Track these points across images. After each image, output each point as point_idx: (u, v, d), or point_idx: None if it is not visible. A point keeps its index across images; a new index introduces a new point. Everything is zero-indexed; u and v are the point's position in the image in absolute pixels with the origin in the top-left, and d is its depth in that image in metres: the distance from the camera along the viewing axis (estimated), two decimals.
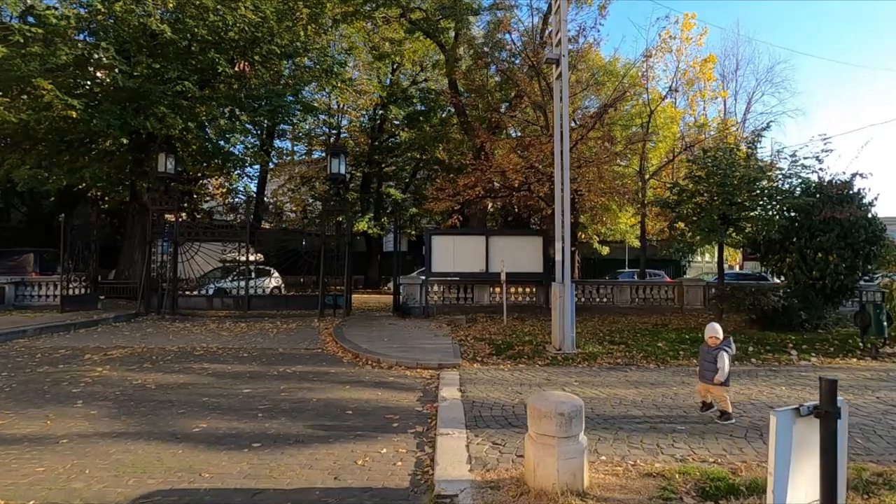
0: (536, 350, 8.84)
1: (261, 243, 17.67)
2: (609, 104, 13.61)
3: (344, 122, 30.88)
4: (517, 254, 14.17)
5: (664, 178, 22.00)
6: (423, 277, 14.54)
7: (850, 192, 10.78)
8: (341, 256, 14.49)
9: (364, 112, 28.98)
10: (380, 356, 8.32)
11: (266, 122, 19.79)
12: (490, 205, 24.90)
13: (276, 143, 29.19)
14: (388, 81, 26.81)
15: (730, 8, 68.63)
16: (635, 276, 26.11)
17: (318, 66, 19.62)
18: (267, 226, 30.89)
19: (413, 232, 31.04)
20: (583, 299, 15.31)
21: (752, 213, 11.91)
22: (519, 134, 17.48)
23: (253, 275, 15.73)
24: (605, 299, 15.35)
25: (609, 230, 28.94)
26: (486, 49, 17.18)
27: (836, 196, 10.75)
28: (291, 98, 18.21)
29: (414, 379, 7.13)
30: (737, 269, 34.61)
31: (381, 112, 27.55)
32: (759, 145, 11.92)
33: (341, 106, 29.20)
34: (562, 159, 8.74)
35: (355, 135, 30.13)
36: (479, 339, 9.98)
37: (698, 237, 11.91)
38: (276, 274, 19.98)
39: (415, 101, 25.38)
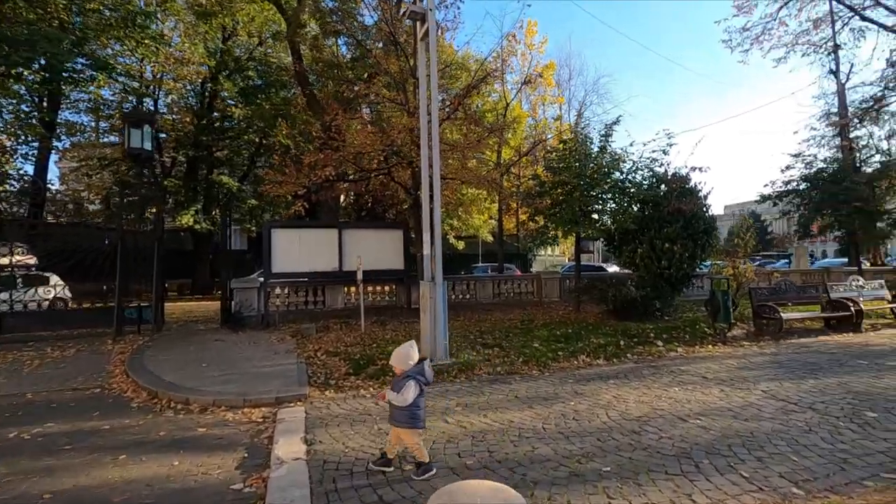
0: None
1: (34, 242, 13.00)
2: (473, 85, 12.76)
3: (166, 98, 25.61)
4: (376, 249, 12.48)
5: (514, 176, 22.46)
6: (264, 280, 11.97)
7: (689, 185, 11.46)
8: (151, 257, 11.16)
9: (188, 85, 24.24)
10: (189, 393, 5.91)
11: (37, 81, 14.75)
12: (343, 194, 22.75)
13: (67, 115, 22.70)
14: (218, 52, 22.67)
15: (563, 24, 76.24)
16: (489, 271, 26.48)
17: (114, 14, 15.33)
18: (51, 219, 24.06)
19: (253, 227, 27.19)
20: (451, 297, 14.28)
21: (608, 206, 12.09)
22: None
23: (19, 283, 11.36)
24: (467, 296, 14.56)
25: (464, 225, 29.01)
26: (335, 18, 15.07)
27: (679, 189, 11.31)
28: (73, 48, 13.76)
29: (238, 426, 4.99)
30: (568, 261, 37.93)
31: (210, 86, 23.28)
32: (609, 139, 12.13)
33: (158, 75, 23.97)
34: (430, 133, 7.32)
35: (179, 112, 25.16)
36: (332, 354, 8.06)
37: (563, 229, 11.66)
38: (58, 281, 15.12)
39: (251, 74, 21.87)
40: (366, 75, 16.26)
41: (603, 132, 12.38)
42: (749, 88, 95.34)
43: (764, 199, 18.90)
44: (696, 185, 11.44)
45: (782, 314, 9.08)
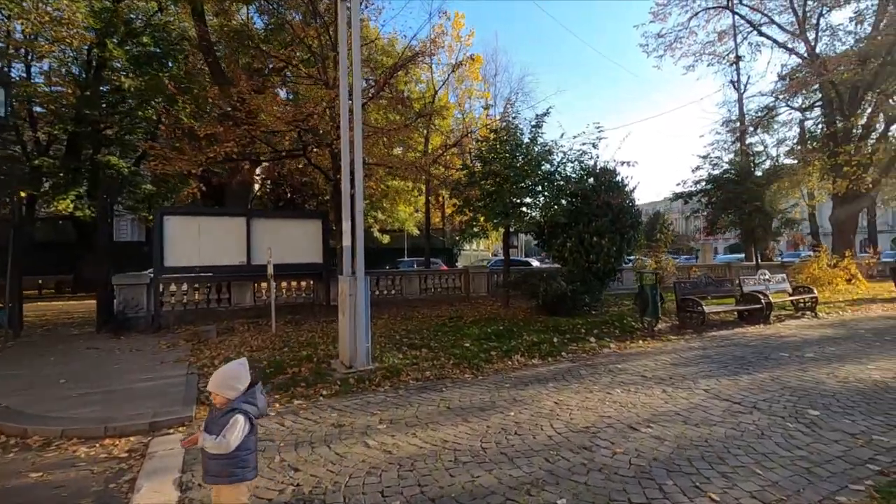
0: (319, 370, 6.33)
1: None
2: (401, 64, 11.82)
3: (42, 65, 21.91)
4: (290, 241, 11.22)
5: (442, 167, 21.78)
6: (154, 275, 10.27)
7: (617, 179, 11.47)
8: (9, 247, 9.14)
9: (70, 51, 20.86)
10: (29, 422, 4.57)
11: None
12: (257, 182, 20.81)
13: None
14: (106, 14, 19.63)
15: (489, 21, 77.01)
16: (415, 265, 25.73)
17: None
18: None
19: (150, 216, 24.24)
20: (375, 292, 13.33)
21: (538, 198, 11.81)
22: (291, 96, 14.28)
23: None
24: (393, 291, 13.70)
25: (389, 218, 28.02)
26: None
27: (608, 183, 11.27)
28: None
29: (91, 466, 3.82)
30: (492, 256, 38.25)
31: (96, 52, 20.16)
32: (540, 129, 11.85)
33: (31, 36, 20.36)
34: (351, 111, 6.39)
35: (61, 81, 21.61)
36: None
37: (493, 221, 11.19)
38: None
39: (146, 41, 19.25)
40: (282, 50, 14.74)
41: (533, 122, 12.06)
42: (666, 92, 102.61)
43: (677, 197, 19.88)
44: (623, 180, 11.47)
45: (705, 308, 9.23)
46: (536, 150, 11.60)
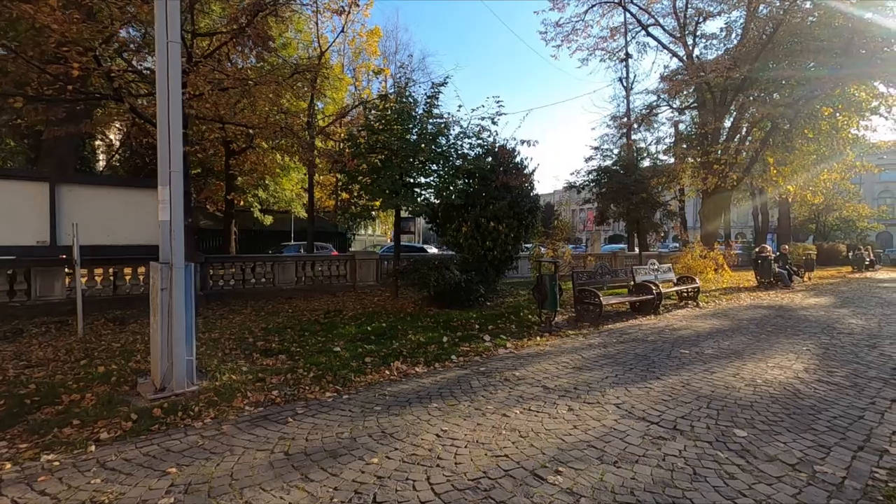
0: (111, 398, 4.43)
1: None
2: None
3: None
4: (119, 216, 8.72)
5: (333, 141, 19.69)
6: None
7: (517, 159, 10.61)
8: None
9: None
10: None
11: None
12: (104, 141, 16.97)
13: None
14: None
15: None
16: (301, 250, 23.34)
17: None
18: None
19: None
20: (232, 283, 11.16)
21: (432, 178, 10.57)
22: None
23: None
24: (263, 280, 11.65)
25: (273, 197, 25.14)
26: None
27: (507, 163, 10.36)
28: None
29: None
30: (389, 241, 36.82)
31: None
32: (436, 100, 10.58)
33: None
34: (168, 14, 4.48)
35: None
36: None
37: (381, 200, 9.71)
38: None
39: None
40: None
41: (429, 93, 10.74)
42: (556, 86, 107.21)
43: (571, 186, 20.01)
44: (523, 161, 10.64)
45: (602, 300, 8.69)
46: (431, 123, 10.33)
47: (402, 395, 4.69)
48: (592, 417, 4.04)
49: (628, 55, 25.23)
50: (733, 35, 22.74)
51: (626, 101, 25.96)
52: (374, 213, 13.12)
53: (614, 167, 18.89)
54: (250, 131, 9.45)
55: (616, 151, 22.07)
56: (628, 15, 24.32)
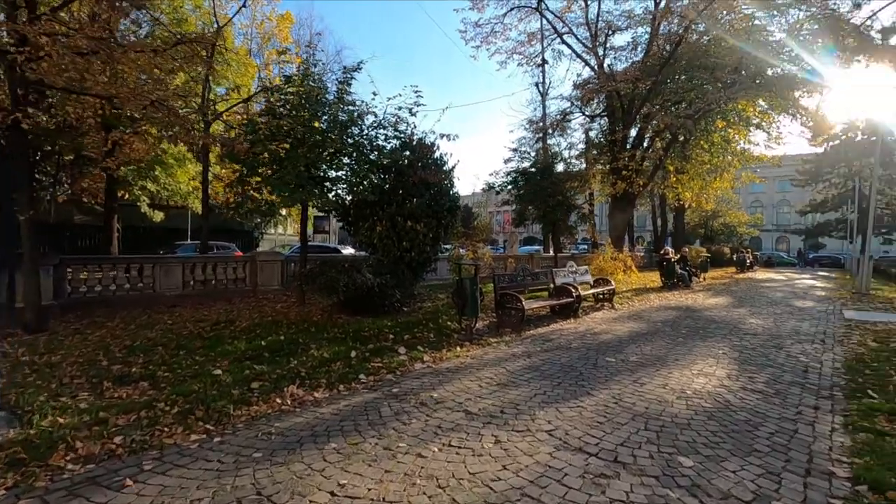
0: None
1: None
2: None
3: None
4: None
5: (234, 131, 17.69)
6: None
7: (436, 155, 9.94)
8: None
9: None
10: None
11: None
12: None
13: None
14: None
15: None
16: (198, 250, 20.93)
17: None
18: None
19: None
20: (99, 289, 9.33)
21: (344, 171, 9.57)
22: None
23: None
24: (140, 285, 9.90)
25: (165, 190, 22.36)
26: None
27: (426, 158, 9.66)
28: None
29: None
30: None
31: None
32: (349, 87, 9.60)
33: None
34: None
35: None
36: None
37: (283, 195, 8.54)
38: None
39: None
40: None
41: (341, 78, 9.74)
42: (479, 87, 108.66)
43: (489, 187, 19.84)
44: (442, 157, 10.00)
45: (524, 304, 8.27)
46: (343, 111, 9.34)
47: (294, 432, 3.76)
48: (524, 451, 3.41)
49: (544, 61, 25.80)
50: (639, 49, 24.01)
51: (542, 105, 26.55)
52: (279, 209, 11.79)
53: (531, 169, 18.99)
54: (115, 103, 7.79)
55: (533, 155, 22.34)
56: (545, 22, 24.80)
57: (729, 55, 18.74)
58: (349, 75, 9.71)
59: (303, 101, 8.98)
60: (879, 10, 19.17)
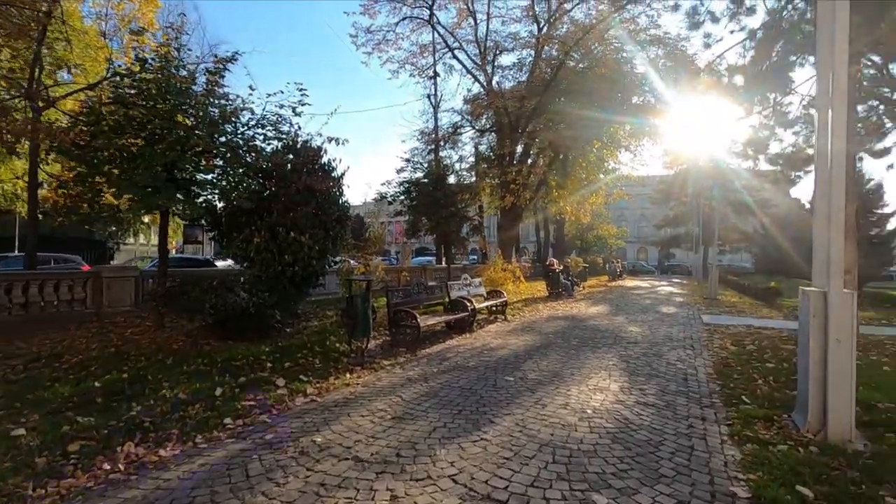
0: None
1: None
2: None
3: None
4: None
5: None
6: None
7: (324, 160, 9.12)
8: None
9: None
10: None
11: None
12: None
13: None
14: None
15: None
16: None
17: None
18: None
19: None
20: None
21: (215, 173, 8.36)
22: None
23: None
24: None
25: None
26: None
27: (312, 162, 8.81)
28: None
29: None
30: (175, 252, 30.81)
31: None
32: (222, 79, 8.42)
33: None
34: None
35: None
36: None
37: (134, 199, 7.10)
38: None
39: None
40: None
41: (212, 67, 8.55)
42: (373, 95, 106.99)
43: (381, 197, 19.25)
44: (331, 162, 9.21)
45: (420, 322, 7.81)
46: (214, 105, 8.17)
47: None
48: None
49: (436, 73, 25.95)
50: (524, 70, 25.30)
51: (434, 117, 26.62)
52: (133, 215, 10.00)
53: (424, 180, 18.82)
54: None
55: (426, 166, 22.26)
56: (436, 35, 25.01)
57: (603, 82, 20.44)
58: (222, 66, 8.55)
59: (162, 91, 7.66)
60: (723, 52, 22.36)
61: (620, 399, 5.11)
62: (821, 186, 4.19)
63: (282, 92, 8.52)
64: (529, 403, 4.90)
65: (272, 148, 8.76)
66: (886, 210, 26.80)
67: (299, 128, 8.93)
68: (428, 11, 23.80)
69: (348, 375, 6.01)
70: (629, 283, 29.74)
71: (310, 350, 7.08)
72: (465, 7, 24.05)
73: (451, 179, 26.64)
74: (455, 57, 25.85)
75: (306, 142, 8.89)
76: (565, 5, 22.39)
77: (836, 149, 3.99)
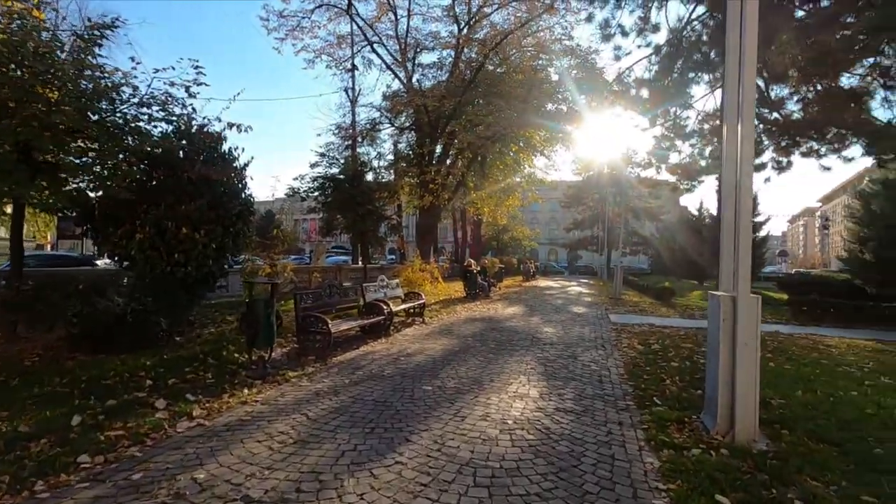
0: None
1: None
2: None
3: None
4: None
5: None
6: None
7: (224, 148, 8.15)
8: None
9: None
10: None
11: None
12: None
13: None
14: None
15: None
16: None
17: None
18: None
19: None
20: None
21: (85, 158, 7.12)
22: None
23: None
24: None
25: None
26: None
27: (209, 150, 7.83)
28: None
29: None
30: (50, 249, 26.74)
31: None
32: (98, 49, 7.19)
33: None
34: None
35: None
36: None
37: None
38: None
39: None
40: None
41: (86, 33, 7.29)
42: (287, 83, 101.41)
43: (293, 192, 18.11)
44: (233, 150, 8.26)
45: (331, 327, 7.21)
46: (87, 77, 6.95)
47: None
48: None
49: (354, 67, 25.00)
50: (444, 69, 25.24)
51: (351, 112, 25.66)
52: None
53: (340, 176, 17.99)
54: None
55: (342, 161, 21.36)
56: (356, 27, 24.09)
57: (521, 87, 20.92)
58: (98, 33, 7.31)
59: (17, 54, 6.34)
60: (632, 65, 23.87)
61: (540, 406, 4.98)
62: (729, 196, 4.33)
63: (173, 68, 7.46)
64: (448, 416, 4.58)
65: (161, 131, 7.65)
66: (760, 218, 30.32)
67: (194, 110, 7.90)
68: (346, 1, 22.85)
69: (246, 391, 5.31)
70: (542, 283, 30.90)
71: (202, 362, 6.23)
72: (386, 1, 23.44)
73: (370, 177, 25.92)
74: (374, 51, 25.16)
75: (203, 126, 7.88)
76: (485, 9, 22.61)
77: (745, 159, 4.11)
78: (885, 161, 10.68)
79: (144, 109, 7.30)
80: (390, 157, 27.48)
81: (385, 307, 9.23)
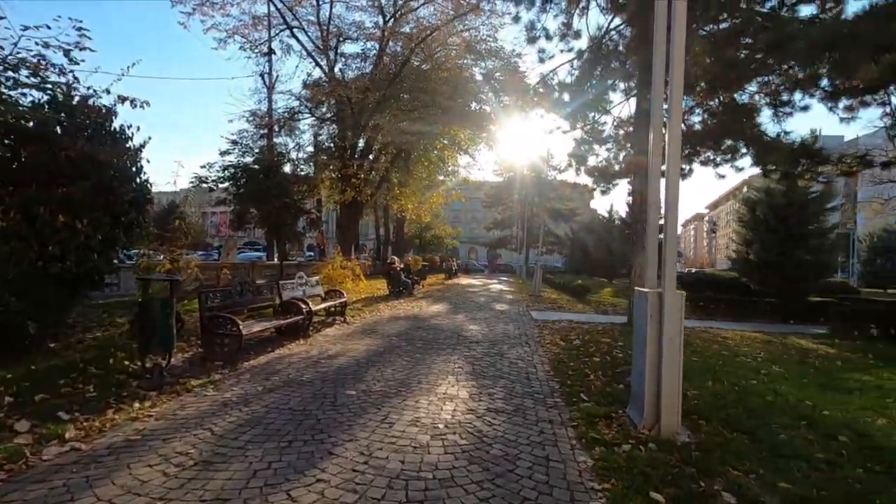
0: None
1: None
2: None
3: None
4: None
5: None
6: None
7: (114, 125, 7.08)
8: None
9: None
10: None
11: None
12: None
13: None
14: None
15: None
16: None
17: None
18: None
19: None
20: None
21: None
22: None
23: None
24: None
25: None
26: None
27: (95, 125, 6.75)
28: None
29: None
30: None
31: None
32: None
33: None
34: None
35: None
36: None
37: None
38: None
39: None
40: None
41: None
42: (195, 62, 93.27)
43: (200, 181, 16.55)
44: (124, 128, 7.21)
45: (242, 329, 6.54)
46: None
47: None
48: None
49: (271, 51, 23.56)
50: (368, 61, 24.54)
51: (268, 99, 24.14)
52: None
53: (255, 166, 16.75)
54: None
55: (257, 151, 19.94)
56: (273, 8, 22.65)
57: (447, 84, 20.86)
58: None
59: None
60: (555, 68, 24.71)
61: (471, 407, 4.80)
62: (655, 195, 4.42)
63: (48, 27, 6.34)
64: (375, 423, 4.25)
65: (32, 100, 6.48)
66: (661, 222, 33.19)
67: (76, 80, 6.77)
68: None
69: (137, 405, 4.58)
70: (464, 280, 31.23)
71: (81, 373, 5.32)
72: None
73: (287, 168, 24.54)
74: (294, 36, 23.86)
75: (87, 98, 6.77)
76: (412, 2, 22.29)
77: (673, 161, 4.21)
78: (770, 171, 11.91)
79: (10, 74, 6.13)
80: (310, 148, 26.21)
81: (304, 306, 8.63)
